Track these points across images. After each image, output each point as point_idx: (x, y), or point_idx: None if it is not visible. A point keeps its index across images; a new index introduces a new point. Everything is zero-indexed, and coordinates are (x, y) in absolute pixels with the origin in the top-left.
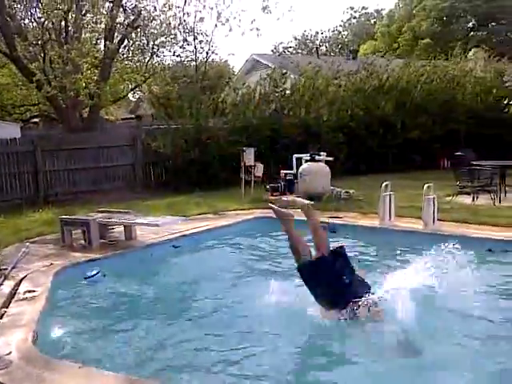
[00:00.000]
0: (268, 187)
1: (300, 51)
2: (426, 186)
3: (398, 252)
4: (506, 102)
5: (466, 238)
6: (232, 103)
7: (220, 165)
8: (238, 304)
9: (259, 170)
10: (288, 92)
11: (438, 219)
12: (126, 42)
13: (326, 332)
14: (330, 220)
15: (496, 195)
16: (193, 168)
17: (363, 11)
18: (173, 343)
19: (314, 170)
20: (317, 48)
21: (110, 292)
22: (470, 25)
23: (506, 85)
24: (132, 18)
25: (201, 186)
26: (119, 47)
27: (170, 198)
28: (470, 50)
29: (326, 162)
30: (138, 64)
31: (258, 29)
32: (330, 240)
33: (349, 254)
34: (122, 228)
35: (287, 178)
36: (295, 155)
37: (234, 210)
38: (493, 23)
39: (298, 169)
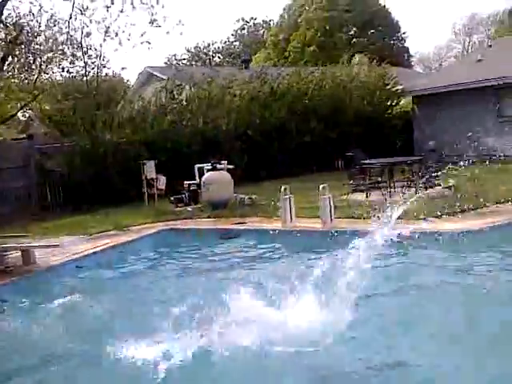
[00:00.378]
0: (172, 199)
1: (194, 63)
2: (321, 186)
3: (297, 249)
4: (388, 104)
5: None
6: (128, 117)
7: (121, 180)
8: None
9: (162, 182)
10: (185, 103)
11: (334, 217)
12: (10, 59)
13: None
14: (235, 226)
15: (386, 191)
16: (92, 185)
17: (252, 21)
18: None
19: (216, 178)
20: (209, 59)
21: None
22: (352, 32)
23: (388, 87)
24: (14, 34)
25: (102, 202)
26: (3, 65)
27: (70, 217)
28: (354, 55)
29: (228, 170)
30: (25, 82)
31: (149, 42)
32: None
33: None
34: (19, 253)
35: (191, 188)
36: (197, 165)
37: (137, 224)
38: (372, 30)
39: (200, 178)
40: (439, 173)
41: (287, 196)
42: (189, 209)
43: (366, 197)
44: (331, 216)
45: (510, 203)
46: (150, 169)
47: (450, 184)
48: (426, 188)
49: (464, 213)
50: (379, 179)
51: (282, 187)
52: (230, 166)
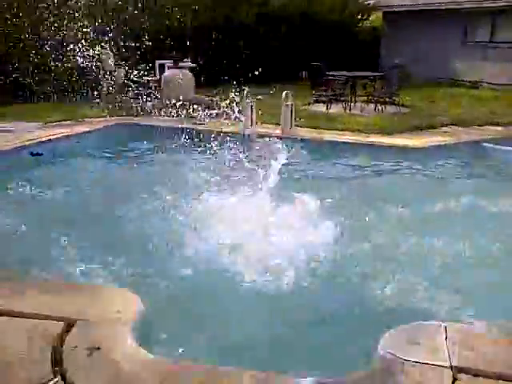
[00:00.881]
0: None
1: None
2: (284, 93)
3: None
4: (359, 18)
5: (316, 141)
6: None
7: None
8: None
9: (120, 76)
10: None
11: (295, 125)
12: None
13: None
14: (194, 126)
15: (347, 104)
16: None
17: None
18: None
19: (177, 76)
20: None
21: None
22: None
23: (360, 0)
24: None
25: (58, 93)
26: None
27: (21, 104)
28: None
29: (191, 70)
30: None
31: None
32: None
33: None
34: None
35: (150, 84)
36: (158, 61)
37: (94, 117)
38: None
39: (161, 75)
40: (399, 91)
41: (249, 101)
42: (148, 105)
43: (327, 109)
44: (291, 123)
45: (461, 127)
46: (108, 62)
47: (409, 102)
48: (385, 104)
49: (417, 131)
50: (341, 92)
51: (245, 91)
52: (193, 65)
